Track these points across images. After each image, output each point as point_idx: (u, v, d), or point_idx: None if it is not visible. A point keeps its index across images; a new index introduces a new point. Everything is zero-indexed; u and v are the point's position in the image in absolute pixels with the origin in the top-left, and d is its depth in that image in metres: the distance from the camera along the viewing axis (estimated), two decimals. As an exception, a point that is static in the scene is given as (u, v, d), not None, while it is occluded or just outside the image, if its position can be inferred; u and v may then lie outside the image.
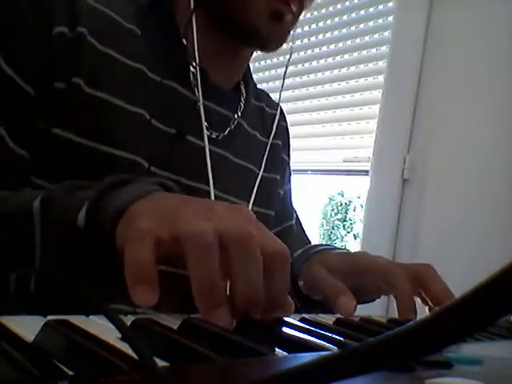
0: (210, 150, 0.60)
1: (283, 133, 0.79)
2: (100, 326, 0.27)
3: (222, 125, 0.64)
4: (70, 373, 0.19)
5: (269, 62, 1.92)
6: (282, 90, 0.72)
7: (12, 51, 0.49)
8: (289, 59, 0.70)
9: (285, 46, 0.64)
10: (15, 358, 0.20)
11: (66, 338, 0.23)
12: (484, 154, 1.28)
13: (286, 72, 0.72)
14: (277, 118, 0.72)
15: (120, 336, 0.25)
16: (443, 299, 0.52)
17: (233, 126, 0.65)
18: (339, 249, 0.66)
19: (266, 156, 0.69)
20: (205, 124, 0.60)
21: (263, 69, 1.94)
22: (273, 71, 1.92)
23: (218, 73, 0.63)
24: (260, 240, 0.33)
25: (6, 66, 0.48)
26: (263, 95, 0.78)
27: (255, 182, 0.68)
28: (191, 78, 0.59)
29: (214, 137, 0.62)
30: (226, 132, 0.64)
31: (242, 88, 0.70)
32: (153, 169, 0.55)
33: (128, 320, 0.29)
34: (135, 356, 0.19)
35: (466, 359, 0.26)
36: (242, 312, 0.33)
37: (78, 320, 0.26)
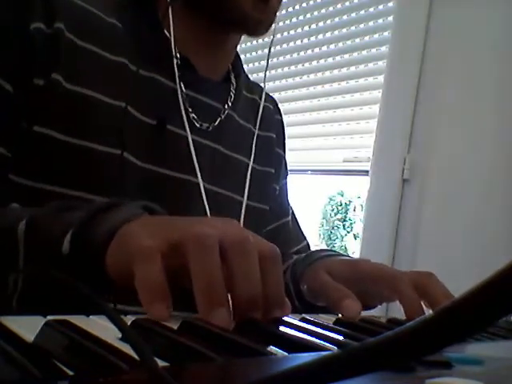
0: (198, 141, 0.60)
1: (277, 126, 0.79)
2: (100, 326, 0.27)
3: (212, 116, 0.63)
4: (70, 373, 0.19)
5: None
6: (266, 71, 0.72)
7: None
8: (272, 40, 0.69)
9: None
10: (15, 358, 0.20)
11: (66, 337, 0.23)
12: (484, 153, 1.28)
13: (269, 54, 0.70)
14: (261, 107, 0.71)
15: (120, 336, 0.25)
16: None
17: (223, 117, 0.64)
18: (342, 255, 0.66)
19: (254, 146, 0.68)
20: (191, 114, 0.59)
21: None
22: (270, 60, 1.92)
23: (204, 63, 0.62)
24: (255, 243, 0.34)
25: None
26: (256, 88, 0.77)
27: (247, 174, 0.67)
28: (176, 70, 0.59)
29: (204, 128, 0.62)
30: (216, 123, 0.63)
31: (233, 79, 0.69)
32: (139, 163, 0.55)
33: (128, 320, 0.29)
34: (135, 356, 0.19)
35: (466, 359, 0.26)
36: (243, 312, 0.33)
37: (78, 320, 0.26)
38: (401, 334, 0.14)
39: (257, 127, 0.70)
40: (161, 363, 0.22)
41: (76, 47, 0.52)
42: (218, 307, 0.32)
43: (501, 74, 1.27)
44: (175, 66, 0.58)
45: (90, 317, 0.30)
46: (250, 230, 0.37)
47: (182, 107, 0.58)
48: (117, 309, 0.47)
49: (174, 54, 0.59)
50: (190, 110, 0.60)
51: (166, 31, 0.59)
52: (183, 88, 0.59)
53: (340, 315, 0.51)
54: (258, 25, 0.60)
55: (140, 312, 0.33)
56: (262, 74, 1.93)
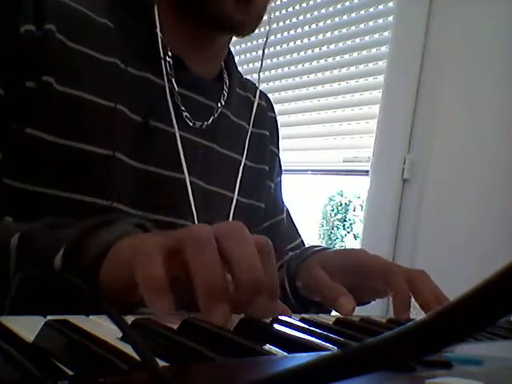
0: (191, 139, 0.60)
1: (271, 124, 0.78)
2: (100, 326, 0.27)
3: (205, 114, 0.63)
4: (70, 373, 0.19)
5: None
6: (260, 71, 0.71)
7: None
8: (265, 42, 0.69)
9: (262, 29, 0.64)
10: (15, 358, 0.20)
11: (66, 337, 0.23)
12: (484, 153, 1.28)
13: (263, 54, 0.70)
14: (255, 104, 0.71)
15: (120, 336, 0.25)
16: (433, 306, 0.52)
17: (216, 115, 0.64)
18: (334, 249, 0.66)
19: (247, 143, 0.68)
20: (184, 112, 0.60)
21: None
22: (270, 61, 1.92)
23: (196, 62, 0.62)
24: (250, 234, 0.35)
25: None
26: (250, 85, 0.77)
27: (242, 173, 0.68)
28: (168, 69, 0.59)
29: (197, 126, 0.62)
30: (210, 121, 0.63)
31: (225, 77, 0.68)
32: (133, 163, 0.55)
33: (128, 320, 0.29)
34: (135, 356, 0.19)
35: (466, 359, 0.26)
36: (247, 297, 0.33)
37: (78, 320, 0.26)
38: (401, 334, 0.14)
39: (250, 125, 0.70)
40: (161, 363, 0.22)
41: (67, 48, 0.51)
42: (219, 302, 0.32)
43: (501, 73, 1.27)
44: (163, 64, 0.58)
45: (90, 317, 0.30)
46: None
47: (171, 105, 0.58)
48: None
49: (161, 51, 0.59)
50: (183, 108, 0.60)
51: (158, 31, 0.59)
52: (175, 87, 0.59)
53: (337, 313, 0.52)
54: (241, 26, 0.59)
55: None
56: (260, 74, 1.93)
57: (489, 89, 1.29)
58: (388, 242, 1.41)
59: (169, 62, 0.59)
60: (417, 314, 0.54)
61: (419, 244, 1.36)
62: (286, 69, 1.87)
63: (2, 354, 0.20)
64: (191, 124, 0.61)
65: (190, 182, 0.59)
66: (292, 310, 0.40)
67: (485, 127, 1.28)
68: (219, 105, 0.65)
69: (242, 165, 0.67)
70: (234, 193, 0.66)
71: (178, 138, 0.58)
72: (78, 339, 0.22)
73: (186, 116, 0.60)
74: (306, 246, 0.77)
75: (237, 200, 0.65)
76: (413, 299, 0.54)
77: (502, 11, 1.28)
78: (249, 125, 0.71)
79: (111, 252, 0.37)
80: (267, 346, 0.28)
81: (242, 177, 0.66)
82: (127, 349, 0.21)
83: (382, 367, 0.14)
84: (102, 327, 0.26)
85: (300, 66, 1.83)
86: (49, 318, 0.26)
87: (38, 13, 0.50)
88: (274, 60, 1.91)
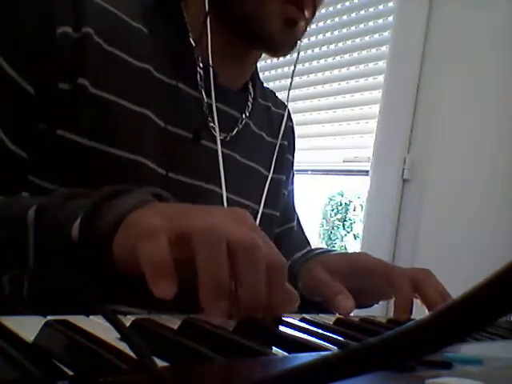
0: (215, 149, 0.59)
1: (289, 133, 0.79)
2: (100, 326, 0.27)
3: (230, 125, 0.63)
4: (70, 373, 0.19)
5: (275, 60, 1.92)
6: (290, 89, 0.72)
7: (13, 52, 0.48)
8: (297, 58, 0.70)
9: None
10: (15, 358, 0.20)
11: (66, 337, 0.23)
12: (484, 153, 1.28)
13: (294, 71, 0.71)
14: (284, 118, 0.72)
15: (120, 336, 0.25)
16: (436, 301, 0.52)
17: (240, 127, 0.64)
18: (337, 251, 0.66)
19: (275, 157, 0.69)
20: (210, 123, 0.59)
21: (269, 67, 1.94)
22: (279, 70, 1.92)
23: (227, 74, 0.62)
24: (265, 251, 0.34)
25: (7, 66, 0.48)
26: (270, 94, 0.77)
27: (263, 183, 0.67)
28: (198, 79, 0.59)
29: (222, 138, 0.61)
30: (234, 133, 0.63)
31: (250, 88, 0.69)
32: (160, 171, 0.54)
33: (128, 320, 0.29)
34: (135, 356, 0.19)
35: (466, 359, 0.26)
36: (244, 315, 0.34)
37: (78, 320, 0.26)
38: (401, 334, 0.14)
39: (279, 141, 0.70)
40: (161, 363, 0.22)
41: (103, 52, 0.51)
42: (221, 301, 0.32)
43: (501, 73, 1.27)
44: (211, 77, 0.58)
45: (90, 317, 0.30)
46: (260, 230, 0.36)
47: (216, 121, 0.59)
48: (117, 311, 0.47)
49: (202, 65, 0.59)
50: (209, 119, 0.60)
51: (191, 40, 0.59)
52: (205, 98, 0.59)
53: (337, 313, 0.51)
54: (283, 46, 0.60)
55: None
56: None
57: (489, 89, 1.29)
58: (388, 241, 1.41)
59: (200, 73, 0.59)
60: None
61: (419, 244, 1.36)
62: (285, 69, 1.87)
63: (1, 354, 0.20)
64: (216, 134, 0.60)
65: (213, 191, 0.59)
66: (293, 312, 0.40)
67: (485, 127, 1.28)
68: (243, 116, 0.66)
69: (269, 179, 0.67)
70: (258, 204, 0.66)
71: (220, 153, 0.58)
72: (78, 339, 0.22)
73: (212, 126, 0.60)
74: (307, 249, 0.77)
75: (262, 212, 0.65)
76: (418, 300, 0.54)
77: (501, 11, 1.28)
78: (268, 135, 0.71)
79: (125, 222, 0.37)
80: (267, 346, 0.28)
81: (256, 184, 0.67)
82: (127, 349, 0.21)
83: (382, 367, 0.14)
84: (102, 327, 0.26)
85: (300, 66, 1.83)
86: (49, 317, 0.26)
87: (75, 15, 0.50)
88: (274, 60, 1.91)
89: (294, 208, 0.82)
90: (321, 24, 1.78)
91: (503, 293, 0.12)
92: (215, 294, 0.32)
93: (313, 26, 1.80)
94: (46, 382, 0.18)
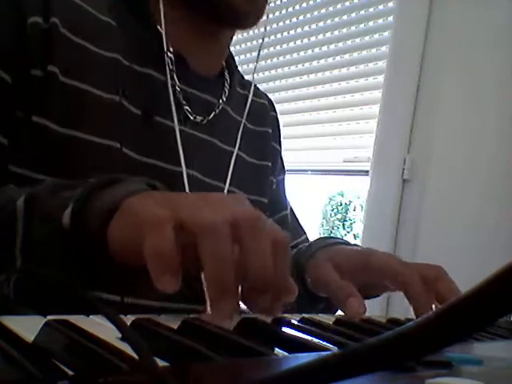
0: (192, 134, 0.61)
1: (273, 122, 0.80)
2: (100, 326, 0.27)
3: (206, 110, 0.64)
4: (70, 373, 0.19)
5: (274, 61, 1.92)
6: (256, 64, 0.72)
7: None
8: (264, 32, 0.70)
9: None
10: (15, 358, 0.20)
11: (66, 337, 0.23)
12: (484, 153, 1.28)
13: (260, 47, 0.71)
14: (250, 95, 0.72)
15: (120, 336, 0.25)
16: None
17: (217, 111, 0.65)
18: (346, 243, 0.65)
19: (239, 136, 0.68)
20: (185, 107, 0.60)
21: (268, 68, 1.94)
22: (279, 70, 1.92)
23: (198, 59, 0.64)
24: (269, 225, 0.34)
25: None
26: (249, 85, 0.77)
27: (245, 168, 0.68)
28: (168, 65, 0.60)
29: (199, 121, 0.63)
30: (211, 117, 0.64)
31: (226, 75, 0.70)
32: (134, 155, 0.55)
33: (128, 320, 0.29)
34: (135, 356, 0.19)
35: (466, 359, 0.26)
36: (254, 293, 0.33)
37: (78, 320, 0.26)
38: (401, 334, 0.14)
39: (244, 117, 0.70)
40: (161, 363, 0.22)
41: (70, 43, 0.53)
42: (228, 295, 0.31)
43: (501, 73, 1.27)
44: (166, 60, 0.59)
45: (90, 317, 0.30)
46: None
47: (172, 99, 0.59)
48: (125, 302, 0.47)
49: (169, 49, 0.60)
50: (184, 102, 0.61)
51: (158, 27, 0.60)
52: (177, 82, 0.61)
53: (341, 313, 0.51)
54: (245, 17, 0.60)
55: (146, 306, 0.32)
56: (260, 74, 1.93)
57: (489, 88, 1.29)
58: (388, 241, 1.41)
59: (170, 58, 0.60)
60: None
61: (419, 244, 1.36)
62: (286, 69, 1.87)
63: (1, 354, 0.20)
64: (192, 118, 0.62)
65: (188, 174, 0.59)
66: (299, 307, 0.40)
67: (485, 127, 1.28)
68: (220, 101, 0.66)
69: (234, 156, 0.67)
70: (242, 190, 0.66)
71: (177, 130, 0.59)
72: (78, 339, 0.22)
73: (187, 110, 0.61)
74: (314, 239, 0.76)
75: (228, 191, 0.65)
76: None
77: (501, 11, 1.28)
78: (249, 123, 0.72)
79: (121, 209, 0.36)
80: (267, 346, 0.28)
81: (234, 169, 0.66)
82: (127, 349, 0.21)
83: (382, 367, 0.14)
84: (102, 327, 0.26)
85: (300, 66, 1.83)
86: (49, 317, 0.26)
87: (44, 5, 0.52)
88: (274, 60, 1.91)
89: (286, 198, 0.82)
90: (321, 24, 1.79)
91: (503, 293, 0.12)
92: (222, 288, 0.31)
93: (313, 25, 1.81)
94: (46, 382, 0.18)
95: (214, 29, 0.64)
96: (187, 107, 0.61)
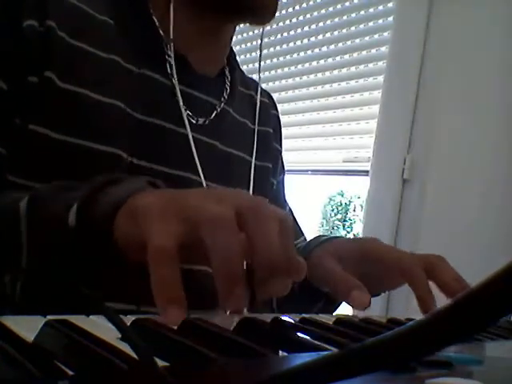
0: (195, 137, 0.59)
1: (274, 121, 0.79)
2: (100, 326, 0.26)
3: (207, 111, 0.63)
4: (70, 373, 0.19)
5: (278, 61, 1.92)
6: (260, 63, 0.72)
7: None
8: (262, 32, 0.70)
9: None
10: (15, 357, 0.20)
11: (66, 337, 0.23)
12: (484, 153, 1.28)
13: (261, 44, 0.71)
14: (258, 100, 0.71)
15: (120, 336, 0.25)
16: (455, 289, 0.51)
17: (218, 112, 0.64)
18: (342, 237, 0.65)
19: (255, 143, 0.68)
20: (186, 111, 0.59)
21: (269, 67, 1.94)
22: (284, 69, 1.91)
23: (198, 58, 0.62)
24: (271, 207, 0.35)
25: None
26: (252, 83, 0.76)
27: (247, 170, 0.67)
28: (168, 66, 0.59)
29: (200, 123, 0.61)
30: (212, 117, 0.63)
31: (227, 73, 0.68)
32: (135, 161, 0.54)
33: (128, 320, 0.29)
34: (135, 356, 0.19)
35: (466, 359, 0.26)
36: (266, 278, 0.33)
37: (78, 320, 0.26)
38: (401, 333, 0.14)
39: (256, 123, 0.70)
40: (161, 363, 0.22)
41: (68, 46, 0.51)
42: (237, 287, 0.31)
43: (501, 73, 1.27)
44: (171, 55, 0.58)
45: (90, 317, 0.30)
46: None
47: (181, 103, 0.58)
48: (142, 311, 0.47)
49: (166, 49, 0.59)
50: (185, 105, 0.60)
51: (158, 25, 0.59)
52: (177, 84, 0.59)
53: (339, 314, 0.51)
54: (263, 12, 0.60)
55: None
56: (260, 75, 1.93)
57: (489, 88, 1.29)
58: (388, 242, 1.40)
59: (171, 59, 0.59)
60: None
61: (419, 244, 1.36)
62: (286, 69, 1.87)
63: (1, 354, 0.20)
64: (193, 121, 0.61)
65: (191, 179, 0.59)
66: (298, 306, 0.40)
67: (485, 127, 1.28)
68: (222, 101, 0.65)
69: (253, 165, 0.67)
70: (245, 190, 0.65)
71: (191, 138, 0.58)
72: (78, 339, 0.22)
73: (188, 114, 0.60)
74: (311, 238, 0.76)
75: None
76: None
77: (501, 11, 1.28)
78: (252, 122, 0.70)
79: (126, 206, 0.36)
80: (267, 346, 0.28)
81: (238, 172, 0.66)
82: (127, 349, 0.21)
83: (382, 367, 0.14)
84: (102, 327, 0.26)
85: (300, 67, 1.83)
86: (49, 317, 0.26)
87: (39, 8, 0.50)
88: (274, 60, 1.91)
89: (285, 199, 0.81)
90: (321, 24, 1.79)
91: (504, 293, 0.12)
92: (231, 281, 0.31)
93: (312, 26, 1.81)
94: (46, 382, 0.18)
95: (217, 24, 0.62)
96: (188, 111, 0.60)
